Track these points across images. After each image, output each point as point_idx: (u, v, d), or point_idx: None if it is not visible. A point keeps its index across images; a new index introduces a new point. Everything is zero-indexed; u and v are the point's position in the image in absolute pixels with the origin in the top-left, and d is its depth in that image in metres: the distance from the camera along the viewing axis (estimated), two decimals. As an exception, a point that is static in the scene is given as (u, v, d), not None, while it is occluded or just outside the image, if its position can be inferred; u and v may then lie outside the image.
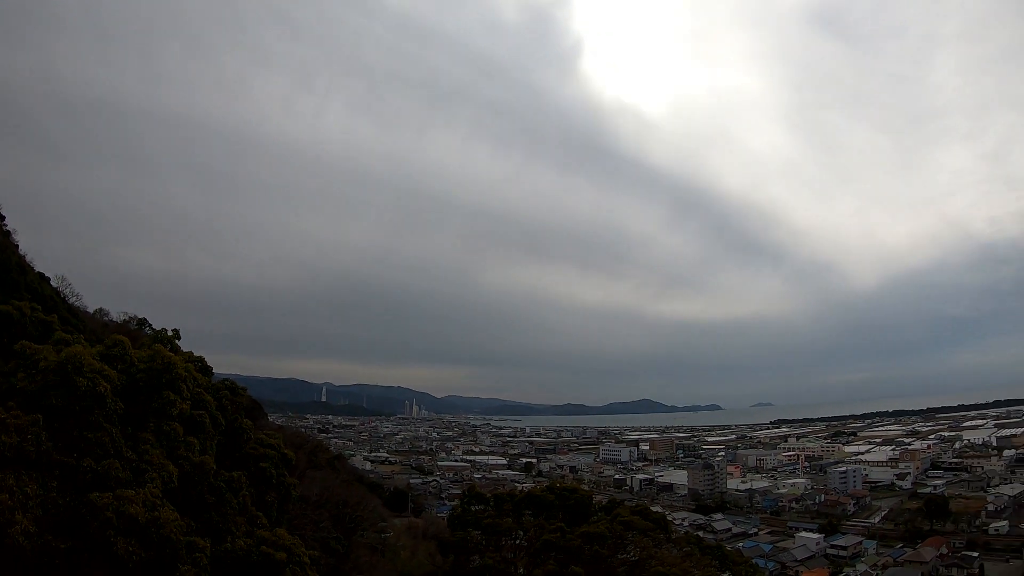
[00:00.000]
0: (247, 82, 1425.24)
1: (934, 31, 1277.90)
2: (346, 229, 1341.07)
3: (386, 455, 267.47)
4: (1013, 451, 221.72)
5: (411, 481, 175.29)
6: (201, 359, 32.41)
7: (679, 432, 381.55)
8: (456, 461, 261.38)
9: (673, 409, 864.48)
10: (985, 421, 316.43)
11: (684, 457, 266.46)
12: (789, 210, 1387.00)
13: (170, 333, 38.09)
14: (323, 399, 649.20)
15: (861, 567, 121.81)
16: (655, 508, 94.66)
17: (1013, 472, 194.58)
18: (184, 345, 35.53)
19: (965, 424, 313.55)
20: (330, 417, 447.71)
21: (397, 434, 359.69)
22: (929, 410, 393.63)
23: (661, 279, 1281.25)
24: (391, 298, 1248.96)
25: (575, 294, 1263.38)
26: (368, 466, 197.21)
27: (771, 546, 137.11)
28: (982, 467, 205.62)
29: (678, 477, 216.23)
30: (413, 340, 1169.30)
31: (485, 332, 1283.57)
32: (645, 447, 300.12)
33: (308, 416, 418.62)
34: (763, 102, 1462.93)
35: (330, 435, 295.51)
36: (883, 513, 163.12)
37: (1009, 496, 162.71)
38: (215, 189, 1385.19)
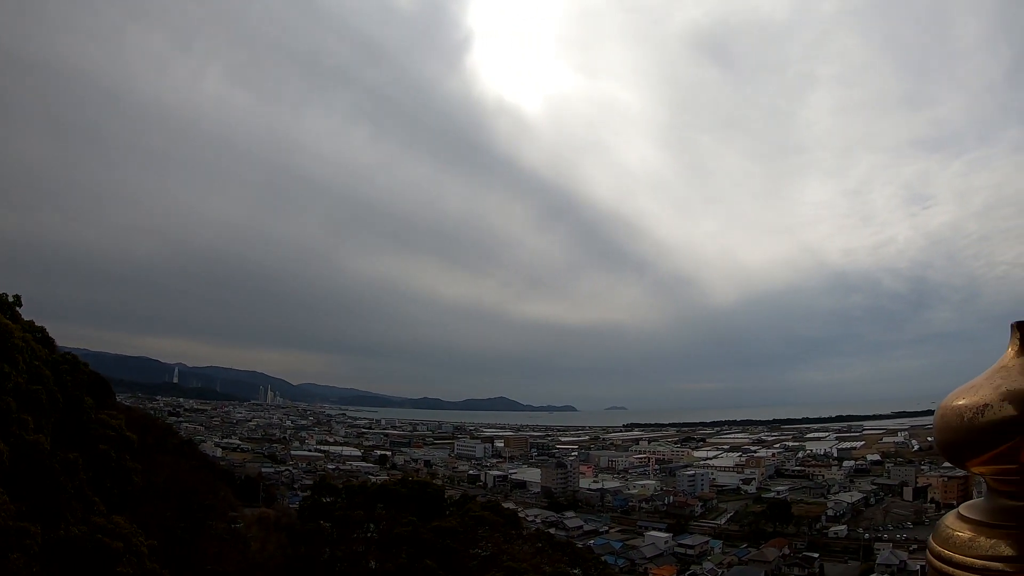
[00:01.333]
0: (122, 34, 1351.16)
1: (812, 71, 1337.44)
2: (212, 202, 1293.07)
3: (238, 442, 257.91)
4: (852, 462, 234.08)
5: (263, 470, 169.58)
6: (42, 330, 29.88)
7: (534, 431, 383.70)
8: (310, 451, 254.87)
9: (529, 408, 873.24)
10: (827, 434, 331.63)
11: (538, 455, 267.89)
12: (655, 224, 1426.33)
13: (10, 299, 34.84)
14: (175, 380, 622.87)
15: (707, 565, 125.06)
16: (508, 505, 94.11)
17: (852, 481, 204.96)
18: (26, 313, 32.57)
19: (808, 435, 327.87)
20: (181, 400, 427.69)
21: (250, 420, 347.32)
22: (775, 421, 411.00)
23: (525, 280, 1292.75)
24: (252, 278, 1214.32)
25: (439, 288, 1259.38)
26: (219, 453, 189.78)
27: (621, 544, 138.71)
28: (823, 475, 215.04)
29: (532, 475, 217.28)
30: (272, 323, 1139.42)
31: (346, 320, 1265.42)
32: (500, 444, 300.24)
33: (158, 398, 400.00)
34: (640, 118, 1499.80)
35: (180, 419, 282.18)
36: (729, 515, 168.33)
37: (847, 503, 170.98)
38: (75, 144, 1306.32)
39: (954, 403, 1.85)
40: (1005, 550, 1.58)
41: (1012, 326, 1.92)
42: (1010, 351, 1.89)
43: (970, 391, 1.81)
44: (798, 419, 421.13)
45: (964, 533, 1.70)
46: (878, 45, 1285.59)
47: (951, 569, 1.67)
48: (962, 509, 1.83)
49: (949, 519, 1.83)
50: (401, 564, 41.72)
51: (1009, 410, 1.67)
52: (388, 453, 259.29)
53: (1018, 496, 1.71)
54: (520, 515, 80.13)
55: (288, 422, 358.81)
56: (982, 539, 1.65)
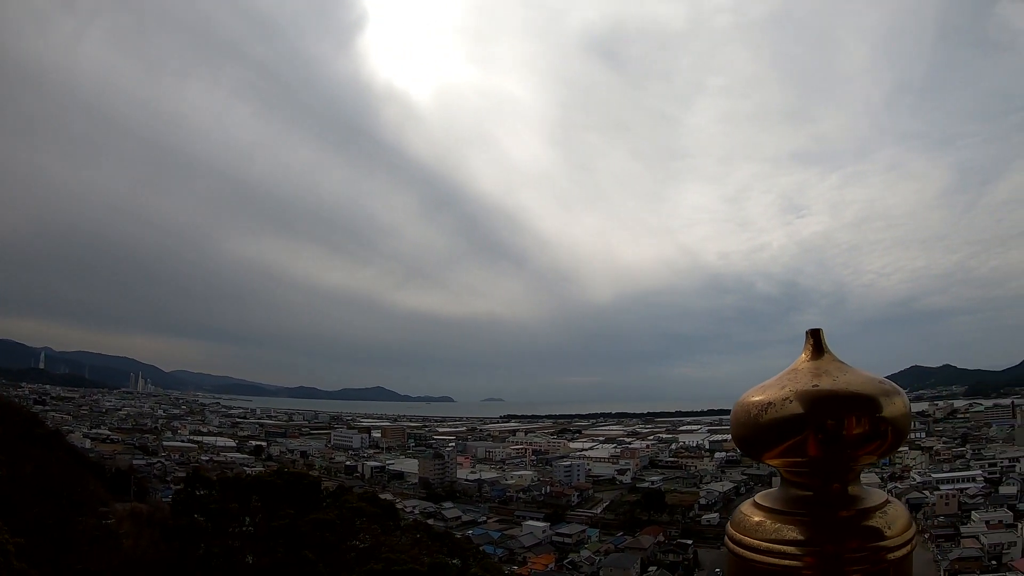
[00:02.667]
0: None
1: (701, 81, 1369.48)
2: (86, 175, 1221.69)
3: (108, 432, 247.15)
4: (724, 454, 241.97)
5: (135, 462, 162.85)
6: None
7: (411, 421, 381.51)
8: (183, 442, 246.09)
9: (407, 398, 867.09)
10: (700, 427, 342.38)
11: (415, 446, 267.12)
12: (537, 219, 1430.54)
13: None
14: (41, 366, 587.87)
15: (585, 553, 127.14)
16: (386, 496, 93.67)
17: (723, 472, 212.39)
18: None
19: (682, 428, 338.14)
20: (48, 387, 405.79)
21: (121, 409, 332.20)
22: (650, 414, 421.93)
23: (405, 269, 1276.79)
24: (125, 258, 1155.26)
25: (317, 275, 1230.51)
26: (88, 444, 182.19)
27: (500, 533, 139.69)
28: (695, 466, 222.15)
29: (409, 465, 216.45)
30: (145, 307, 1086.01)
31: (221, 305, 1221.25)
32: (377, 434, 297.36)
33: (23, 385, 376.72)
34: (530, 113, 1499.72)
35: (47, 407, 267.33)
36: (605, 504, 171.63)
37: (719, 492, 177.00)
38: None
39: (746, 401, 1.95)
40: (792, 534, 1.72)
41: (806, 333, 2.04)
42: (803, 355, 2.02)
43: (761, 390, 1.92)
44: (672, 412, 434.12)
45: (756, 518, 1.81)
46: (767, 62, 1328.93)
47: (743, 551, 1.78)
48: (757, 498, 1.92)
49: (745, 506, 1.92)
50: (279, 558, 40.97)
51: (794, 408, 1.80)
52: (264, 444, 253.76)
53: (806, 487, 1.85)
54: (398, 506, 79.84)
55: (160, 411, 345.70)
56: (773, 524, 1.76)
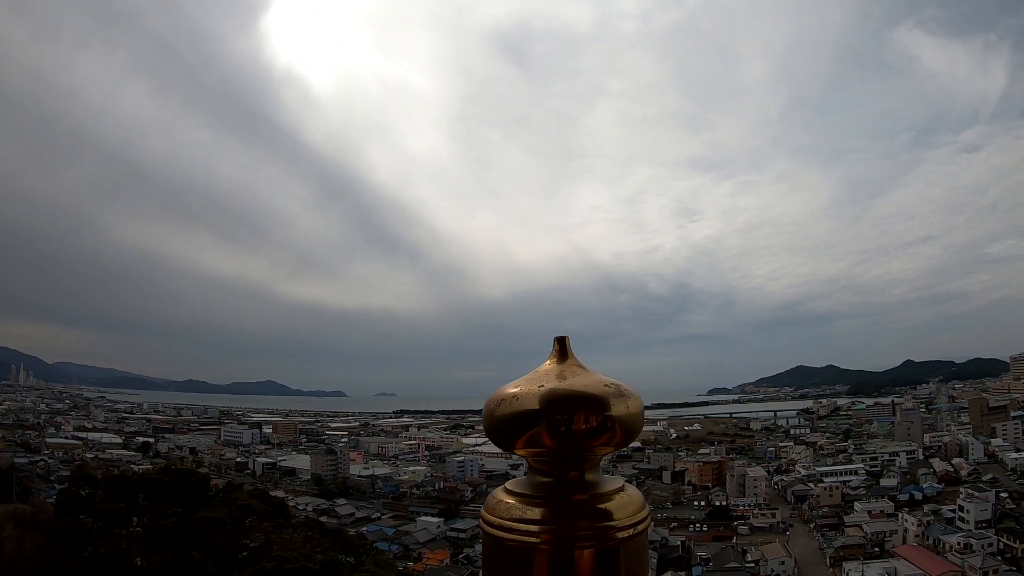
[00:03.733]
0: None
1: (603, 84, 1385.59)
2: None
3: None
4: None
5: (16, 460, 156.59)
6: None
7: (303, 416, 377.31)
8: (67, 438, 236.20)
9: (299, 393, 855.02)
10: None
11: (307, 442, 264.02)
12: (433, 213, 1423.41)
13: None
14: None
15: (479, 548, 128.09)
16: (277, 493, 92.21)
17: (615, 466, 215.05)
18: None
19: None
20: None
21: (1, 404, 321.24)
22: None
23: (298, 260, 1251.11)
24: (3, 241, 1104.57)
25: (207, 263, 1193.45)
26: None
27: (394, 530, 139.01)
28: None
29: (301, 462, 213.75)
30: (26, 293, 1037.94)
31: (107, 293, 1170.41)
32: (268, 430, 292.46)
33: None
34: (430, 105, 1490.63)
35: None
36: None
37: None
38: None
39: (494, 397, 2.16)
40: (533, 515, 1.96)
41: (554, 339, 2.29)
42: (549, 359, 2.26)
43: (511, 387, 2.15)
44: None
45: (505, 502, 2.05)
46: (669, 69, 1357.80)
47: (492, 530, 2.00)
48: (508, 484, 2.15)
49: (497, 492, 2.14)
50: (167, 558, 39.74)
51: (532, 404, 2.03)
52: (151, 440, 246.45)
53: (548, 474, 2.08)
54: (290, 503, 78.56)
55: (43, 406, 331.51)
56: (519, 507, 2.00)
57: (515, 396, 2.09)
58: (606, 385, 2.10)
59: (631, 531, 2.00)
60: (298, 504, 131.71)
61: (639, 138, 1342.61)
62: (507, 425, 2.10)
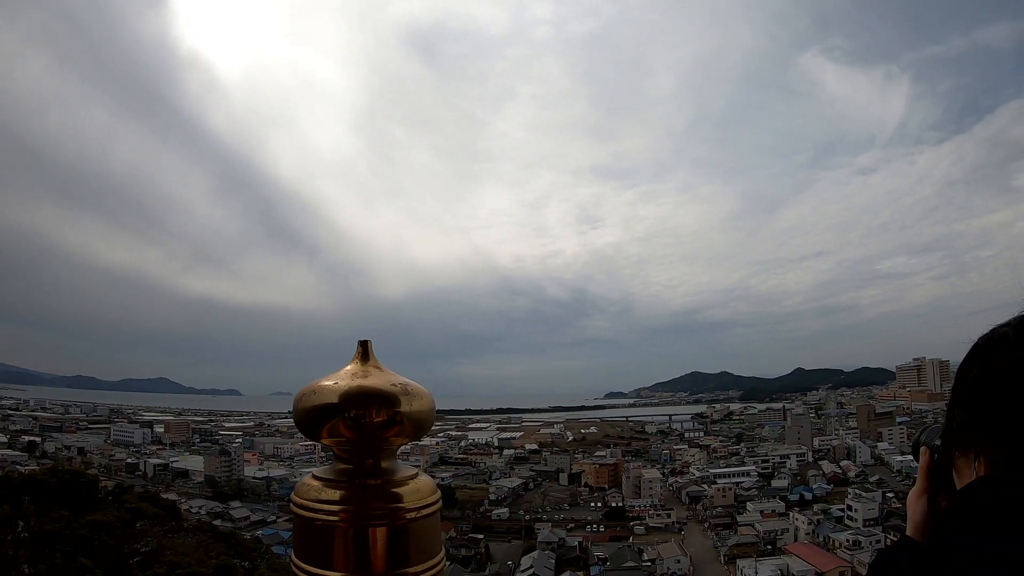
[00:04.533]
0: None
1: (513, 88, 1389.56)
2: None
3: None
4: (512, 451, 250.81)
5: None
6: None
7: (197, 415, 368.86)
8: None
9: (192, 391, 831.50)
10: (489, 424, 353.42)
11: (201, 442, 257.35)
12: (334, 209, 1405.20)
13: None
14: None
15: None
16: (169, 495, 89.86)
17: (512, 468, 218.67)
18: None
19: (471, 426, 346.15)
20: None
21: None
22: (440, 411, 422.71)
23: (194, 252, 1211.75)
24: None
25: (98, 252, 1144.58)
26: None
27: (290, 533, 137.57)
28: (485, 463, 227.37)
29: (194, 463, 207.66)
30: None
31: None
32: (160, 429, 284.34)
33: None
34: (338, 99, 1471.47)
35: None
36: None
37: (508, 488, 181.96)
38: None
39: (302, 393, 2.35)
40: (334, 497, 2.20)
41: (358, 342, 2.52)
42: (353, 361, 2.48)
43: (316, 383, 2.36)
44: (461, 410, 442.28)
45: (313, 486, 2.26)
46: (579, 77, 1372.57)
47: (300, 511, 2.19)
48: (315, 471, 2.37)
49: (306, 478, 2.35)
50: (56, 564, 38.30)
51: (331, 399, 2.26)
52: (38, 439, 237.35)
53: (348, 461, 2.31)
54: (183, 506, 76.58)
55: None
56: (323, 490, 2.21)
57: (317, 392, 2.32)
58: (396, 384, 2.34)
59: (420, 513, 2.25)
60: (191, 507, 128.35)
61: (546, 144, 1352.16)
62: (311, 417, 2.31)
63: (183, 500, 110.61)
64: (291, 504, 2.35)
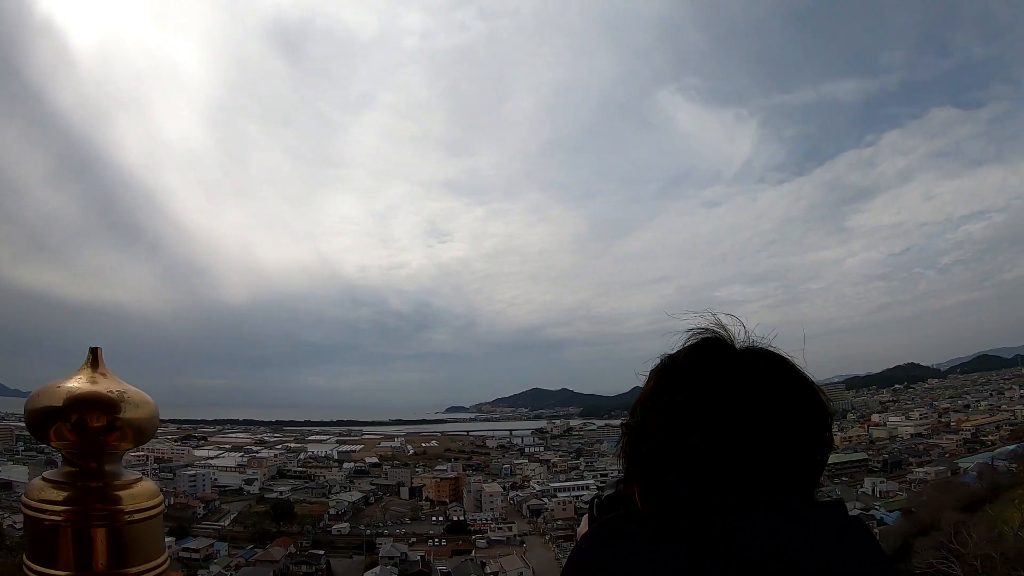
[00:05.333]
0: None
1: (374, 95, 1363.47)
2: None
3: None
4: (352, 464, 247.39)
5: None
6: None
7: (21, 420, 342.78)
8: None
9: (16, 393, 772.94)
10: (329, 437, 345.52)
11: (25, 450, 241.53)
12: (179, 204, 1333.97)
13: None
14: None
15: (215, 568, 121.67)
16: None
17: (352, 482, 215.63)
18: None
19: (311, 438, 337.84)
20: None
21: None
22: (278, 422, 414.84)
23: (27, 239, 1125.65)
24: None
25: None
26: None
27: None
28: (324, 476, 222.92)
29: (18, 473, 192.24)
30: None
31: None
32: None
33: None
34: (194, 88, 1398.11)
35: None
36: (233, 516, 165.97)
37: (348, 502, 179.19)
38: None
39: (33, 395, 2.40)
40: (59, 497, 2.23)
41: (89, 349, 2.57)
42: (83, 368, 2.51)
43: (46, 387, 2.40)
44: (300, 421, 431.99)
45: (42, 487, 2.28)
46: (441, 91, 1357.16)
47: (29, 512, 2.21)
48: (45, 473, 2.38)
49: (36, 480, 2.35)
50: None
51: (55, 403, 2.29)
52: None
53: (74, 464, 2.36)
54: (5, 522, 72.45)
55: None
56: (51, 491, 2.25)
57: (43, 395, 2.37)
58: (117, 392, 2.42)
59: (140, 515, 2.32)
60: (15, 523, 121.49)
61: (400, 154, 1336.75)
62: (38, 420, 2.36)
63: (6, 515, 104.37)
64: (22, 505, 2.35)
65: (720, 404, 1.14)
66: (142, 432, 2.51)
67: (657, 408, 1.10)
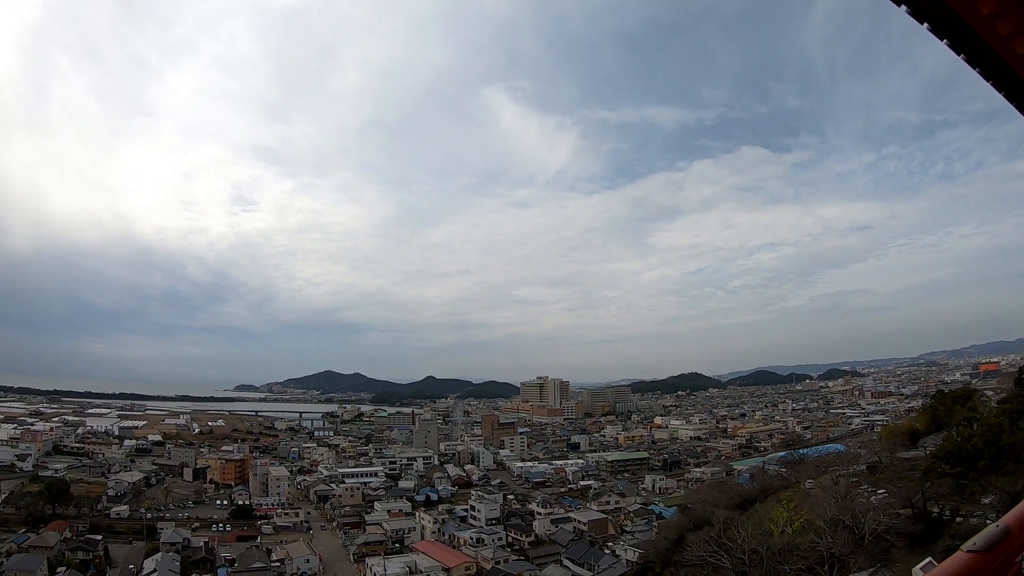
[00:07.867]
0: None
1: (195, 41, 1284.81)
2: None
3: None
4: (134, 441, 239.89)
5: None
6: None
7: None
8: None
9: None
10: (110, 410, 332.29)
11: None
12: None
13: None
14: None
15: None
16: None
17: (133, 461, 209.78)
18: None
19: (90, 411, 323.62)
20: None
21: None
22: (56, 392, 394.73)
23: None
24: None
25: None
26: None
27: None
28: (104, 454, 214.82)
29: None
30: None
31: None
32: None
33: None
34: (6, 3, 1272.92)
35: None
36: (4, 496, 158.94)
37: (129, 483, 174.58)
38: None
39: None
40: None
41: None
42: None
43: None
44: (80, 392, 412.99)
45: None
46: (266, 51, 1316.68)
47: None
48: None
49: None
50: None
51: None
52: None
53: None
54: None
55: None
56: None
57: None
58: None
59: None
60: None
61: (215, 112, 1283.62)
62: None
63: None
64: None
65: None
66: None
67: None
